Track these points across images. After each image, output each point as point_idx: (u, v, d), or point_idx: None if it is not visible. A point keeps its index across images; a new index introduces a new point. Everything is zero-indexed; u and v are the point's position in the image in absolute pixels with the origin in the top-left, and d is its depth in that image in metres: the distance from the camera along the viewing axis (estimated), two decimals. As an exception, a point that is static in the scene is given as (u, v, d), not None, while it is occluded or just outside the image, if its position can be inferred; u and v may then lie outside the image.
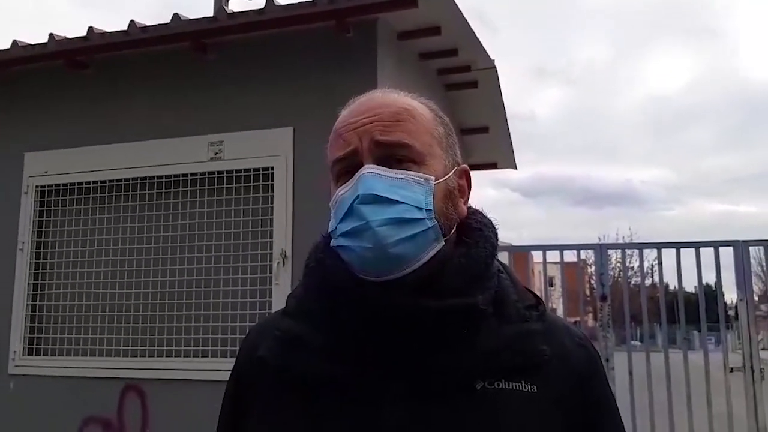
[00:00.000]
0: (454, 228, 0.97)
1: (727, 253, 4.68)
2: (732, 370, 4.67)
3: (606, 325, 4.89)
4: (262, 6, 3.87)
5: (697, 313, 4.77)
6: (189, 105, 4.24)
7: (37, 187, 4.46)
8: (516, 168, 7.70)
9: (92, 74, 4.49)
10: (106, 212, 4.31)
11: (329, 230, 0.94)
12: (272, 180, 3.93)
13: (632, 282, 21.14)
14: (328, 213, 0.96)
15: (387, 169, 0.91)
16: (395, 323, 0.88)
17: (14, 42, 4.43)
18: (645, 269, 5.43)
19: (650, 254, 5.34)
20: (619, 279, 17.80)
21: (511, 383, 0.90)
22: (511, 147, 7.11)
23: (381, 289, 0.89)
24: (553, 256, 5.14)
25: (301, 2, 3.80)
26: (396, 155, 0.92)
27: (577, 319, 6.68)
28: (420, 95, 1.03)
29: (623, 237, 41.68)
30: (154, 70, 4.37)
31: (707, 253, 4.71)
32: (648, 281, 16.70)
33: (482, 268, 0.95)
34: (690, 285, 13.80)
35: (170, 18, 4.07)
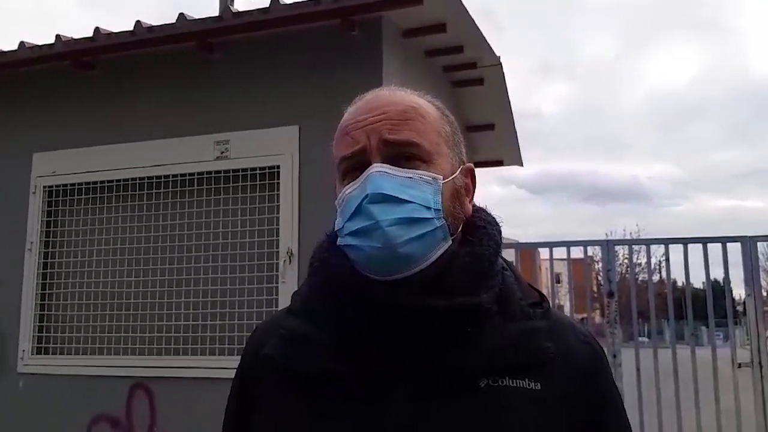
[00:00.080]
0: (460, 226, 0.97)
1: (734, 249, 4.66)
2: (740, 365, 4.65)
3: (613, 322, 4.88)
4: (268, 5, 3.87)
5: (704, 309, 4.75)
6: (195, 104, 4.25)
7: (44, 187, 4.49)
8: (522, 165, 7.68)
9: (98, 75, 4.51)
10: (113, 212, 4.33)
11: (336, 229, 0.94)
12: (278, 179, 3.94)
13: (640, 278, 21.10)
14: (334, 211, 0.96)
15: (396, 168, 0.90)
16: (402, 322, 0.88)
17: (21, 43, 4.46)
18: (652, 265, 5.41)
19: (658, 250, 5.33)
20: (627, 275, 17.74)
21: (515, 381, 0.90)
22: (517, 144, 7.09)
23: (388, 288, 0.89)
24: (560, 252, 5.12)
25: (306, 1, 3.80)
26: (404, 154, 0.92)
27: (585, 315, 6.68)
28: (426, 93, 1.03)
29: (630, 233, 41.62)
30: (159, 69, 4.39)
31: (715, 248, 4.69)
32: (655, 277, 16.64)
33: (486, 266, 0.95)
34: (698, 281, 13.76)
35: (176, 18, 4.09)
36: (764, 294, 4.65)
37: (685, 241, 4.77)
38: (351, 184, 0.92)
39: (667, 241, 4.89)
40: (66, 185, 4.45)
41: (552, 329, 0.96)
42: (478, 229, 0.98)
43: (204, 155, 4.10)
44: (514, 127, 6.65)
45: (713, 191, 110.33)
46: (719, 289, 5.09)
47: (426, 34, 4.37)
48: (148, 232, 4.21)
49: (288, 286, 3.74)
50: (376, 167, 0.90)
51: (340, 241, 0.92)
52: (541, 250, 5.77)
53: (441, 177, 0.92)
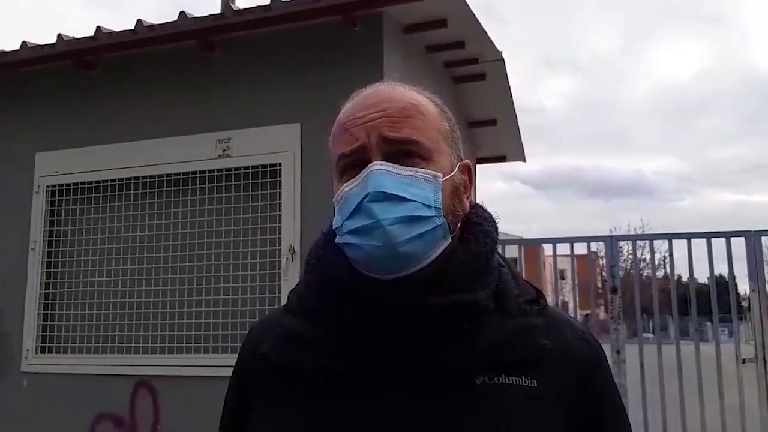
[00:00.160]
0: (459, 224, 0.96)
1: (739, 244, 4.63)
2: (744, 361, 4.64)
3: (617, 318, 4.87)
4: (268, 2, 3.86)
5: (709, 305, 4.73)
6: (197, 103, 4.25)
7: (48, 186, 4.50)
8: (525, 160, 7.67)
9: (100, 74, 4.51)
10: (116, 211, 4.34)
11: (334, 227, 0.93)
12: (280, 176, 3.94)
13: (644, 274, 21.06)
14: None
15: (397, 166, 0.89)
16: (402, 321, 0.87)
17: (23, 43, 4.46)
18: (656, 261, 5.39)
19: (661, 245, 5.30)
20: (631, 271, 17.71)
21: (511, 378, 0.89)
22: (520, 139, 7.08)
23: (387, 286, 0.88)
24: (563, 248, 5.11)
25: (306, -3, 3.80)
26: (404, 151, 0.91)
27: (589, 311, 6.66)
28: (426, 89, 1.02)
29: (635, 228, 41.38)
30: (161, 68, 4.39)
31: (719, 243, 4.67)
32: (660, 273, 16.62)
33: (483, 263, 0.94)
34: (702, 276, 13.73)
35: (177, 16, 4.08)
36: (769, 289, 4.62)
37: (688, 236, 4.74)
38: (350, 181, 0.91)
39: (670, 236, 4.87)
40: (69, 185, 4.46)
41: (549, 326, 0.95)
42: (475, 226, 0.98)
43: (206, 153, 4.10)
44: (517, 122, 6.64)
45: (718, 186, 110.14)
46: (723, 285, 5.07)
47: (427, 30, 4.36)
48: (150, 231, 4.22)
49: (290, 283, 3.73)
50: (377, 165, 0.89)
51: (339, 239, 0.91)
52: (544, 246, 5.76)
53: (441, 175, 0.92)
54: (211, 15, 4.05)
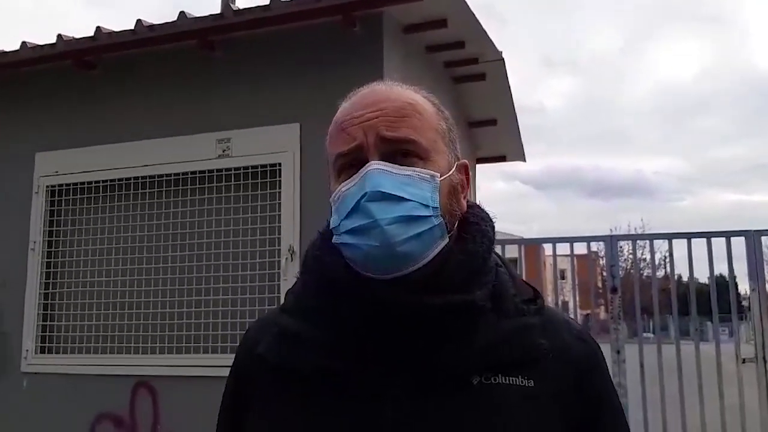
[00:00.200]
0: (456, 223, 0.96)
1: (739, 243, 4.63)
2: (744, 361, 4.64)
3: (617, 317, 4.86)
4: (268, 2, 3.86)
5: (709, 305, 4.73)
6: (196, 103, 4.25)
7: (47, 186, 4.49)
8: (525, 160, 7.66)
9: (100, 74, 4.51)
10: (116, 211, 4.34)
11: (331, 226, 0.93)
12: (280, 176, 3.94)
13: (644, 273, 21.06)
14: (334, 208, 0.95)
15: (394, 165, 0.89)
16: (399, 320, 0.87)
17: (23, 43, 4.46)
18: (656, 261, 5.39)
19: (662, 245, 5.30)
20: (631, 271, 17.72)
21: (507, 378, 0.89)
22: (520, 139, 7.07)
23: (385, 286, 0.88)
24: (563, 248, 5.11)
25: (306, -3, 3.80)
26: (401, 151, 0.91)
27: (589, 311, 6.66)
28: (426, 89, 1.01)
29: (635, 228, 41.35)
30: (161, 68, 4.38)
31: (719, 243, 4.66)
32: (660, 273, 16.62)
33: (480, 263, 0.94)
34: (702, 276, 13.72)
35: (177, 16, 4.08)
36: (769, 289, 4.62)
37: (688, 236, 4.74)
38: (348, 181, 0.90)
39: (670, 236, 4.87)
40: (68, 185, 4.46)
41: (546, 326, 0.95)
42: (472, 226, 0.98)
43: (206, 153, 4.10)
44: (517, 122, 6.64)
45: (719, 185, 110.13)
46: (723, 284, 5.07)
47: (427, 30, 4.36)
48: (150, 231, 4.22)
49: (290, 283, 3.66)
50: (375, 164, 0.88)
51: (336, 239, 0.91)
52: (545, 246, 5.75)
53: (438, 174, 0.91)
54: (211, 15, 4.05)
